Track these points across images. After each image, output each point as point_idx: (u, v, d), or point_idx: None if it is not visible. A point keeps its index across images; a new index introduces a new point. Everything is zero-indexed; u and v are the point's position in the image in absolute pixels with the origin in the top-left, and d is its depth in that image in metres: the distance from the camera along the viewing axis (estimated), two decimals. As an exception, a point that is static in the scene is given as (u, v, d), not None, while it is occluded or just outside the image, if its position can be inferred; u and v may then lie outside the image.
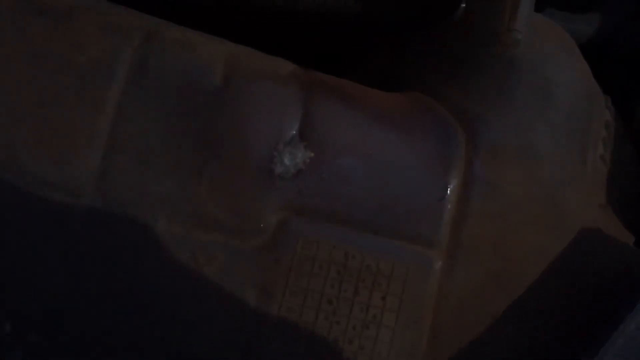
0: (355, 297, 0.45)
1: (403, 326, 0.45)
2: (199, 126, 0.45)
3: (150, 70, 0.45)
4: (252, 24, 0.60)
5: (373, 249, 0.46)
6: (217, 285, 0.44)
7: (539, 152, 0.50)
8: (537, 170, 0.49)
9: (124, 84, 0.45)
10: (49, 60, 0.44)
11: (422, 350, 0.46)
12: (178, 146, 0.45)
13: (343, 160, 0.47)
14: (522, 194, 0.49)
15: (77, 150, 0.43)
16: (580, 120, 0.53)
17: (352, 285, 0.45)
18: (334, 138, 0.47)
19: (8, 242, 0.43)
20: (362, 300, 0.45)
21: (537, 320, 0.47)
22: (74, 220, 0.43)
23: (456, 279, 0.47)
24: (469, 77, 0.50)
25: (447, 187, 0.47)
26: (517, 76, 0.50)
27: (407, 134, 0.48)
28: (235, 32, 0.53)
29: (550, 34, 0.52)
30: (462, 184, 0.48)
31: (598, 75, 0.64)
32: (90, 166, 0.44)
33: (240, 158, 0.45)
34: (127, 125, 0.44)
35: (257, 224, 0.45)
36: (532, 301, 0.47)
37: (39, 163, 0.43)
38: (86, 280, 0.43)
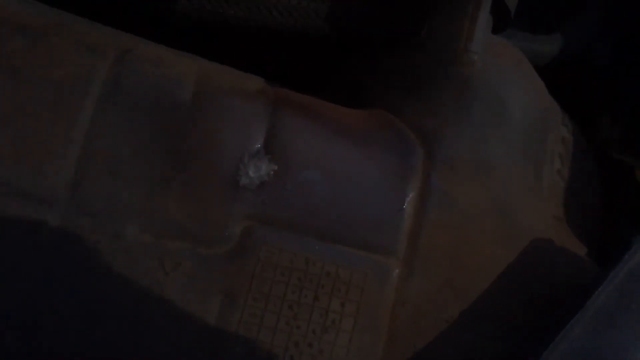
0: (315, 302, 0.47)
1: (361, 331, 0.48)
2: (169, 140, 0.48)
3: (123, 86, 0.48)
4: (228, 43, 0.63)
5: (333, 257, 0.48)
6: (183, 290, 0.46)
7: (493, 166, 0.52)
8: (490, 183, 0.52)
9: (97, 99, 0.47)
10: (25, 75, 0.47)
11: (379, 354, 0.48)
12: (148, 158, 0.47)
13: (305, 173, 0.49)
14: (476, 205, 0.51)
15: (51, 161, 0.46)
16: (535, 136, 0.56)
17: (312, 292, 0.47)
18: (298, 152, 0.49)
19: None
20: (322, 306, 0.48)
21: (489, 327, 0.50)
22: (47, 229, 0.46)
23: (412, 287, 0.49)
24: (428, 94, 0.53)
25: (405, 199, 0.50)
26: (473, 94, 0.52)
27: (367, 148, 0.51)
28: (211, 50, 0.56)
29: (506, 55, 0.55)
30: (419, 196, 0.50)
31: (562, 92, 0.67)
32: (64, 177, 0.46)
33: (208, 170, 0.48)
34: (100, 138, 0.47)
35: (223, 233, 0.47)
36: (485, 308, 0.50)
37: (14, 173, 0.45)
38: (59, 287, 0.45)
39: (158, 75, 0.49)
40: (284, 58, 0.67)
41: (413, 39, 0.57)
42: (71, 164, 0.46)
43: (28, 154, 0.46)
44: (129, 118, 0.47)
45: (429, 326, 0.49)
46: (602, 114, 0.79)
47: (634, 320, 0.47)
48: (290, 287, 0.47)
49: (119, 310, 0.45)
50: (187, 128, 0.48)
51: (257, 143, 0.49)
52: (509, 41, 0.62)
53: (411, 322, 0.49)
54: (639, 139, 0.75)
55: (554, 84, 0.64)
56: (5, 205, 0.45)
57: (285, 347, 0.47)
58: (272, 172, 0.48)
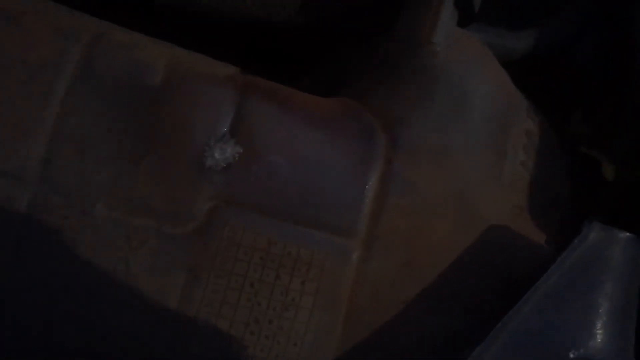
0: (276, 280, 0.49)
1: (320, 309, 0.50)
2: (139, 121, 0.50)
3: (96, 68, 0.50)
4: (203, 33, 0.64)
5: (295, 237, 0.50)
6: (148, 267, 0.48)
7: (454, 154, 0.54)
8: (450, 170, 0.54)
9: (69, 80, 0.49)
10: (1, 57, 0.49)
11: (337, 332, 0.50)
12: (118, 139, 0.49)
13: (270, 157, 0.51)
14: (435, 191, 0.53)
15: (23, 140, 0.48)
16: (497, 127, 0.57)
17: (273, 270, 0.49)
18: (263, 136, 0.51)
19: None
20: (283, 284, 0.49)
21: (446, 308, 0.52)
22: (17, 205, 0.48)
23: (371, 268, 0.51)
24: (394, 84, 0.55)
25: (367, 184, 0.52)
26: (435, 84, 0.54)
27: (332, 134, 0.53)
28: (186, 39, 0.58)
29: (469, 47, 0.57)
30: (381, 181, 0.52)
31: (535, 86, 0.68)
32: (36, 155, 0.48)
33: (175, 151, 0.50)
34: (71, 118, 0.49)
35: (188, 212, 0.49)
36: (442, 291, 0.52)
37: (-12, 150, 0.47)
38: (26, 261, 0.47)
39: (130, 59, 0.51)
40: (259, 49, 0.68)
41: (385, 31, 0.59)
42: (42, 142, 0.48)
43: (1, 132, 0.48)
44: (100, 99, 0.49)
45: (387, 306, 0.51)
46: (574, 110, 0.80)
47: (581, 301, 0.49)
48: (252, 265, 0.49)
49: (85, 285, 0.47)
50: (156, 110, 0.50)
51: (223, 127, 0.51)
52: (481, 36, 0.64)
53: (370, 301, 0.51)
54: (607, 136, 0.77)
55: (527, 79, 0.66)
56: (-22, 182, 0.47)
57: (246, 323, 0.49)
58: (237, 155, 0.50)
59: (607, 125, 0.77)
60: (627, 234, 0.52)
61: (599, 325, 0.49)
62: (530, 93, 0.67)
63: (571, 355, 0.48)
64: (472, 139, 0.55)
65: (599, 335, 0.49)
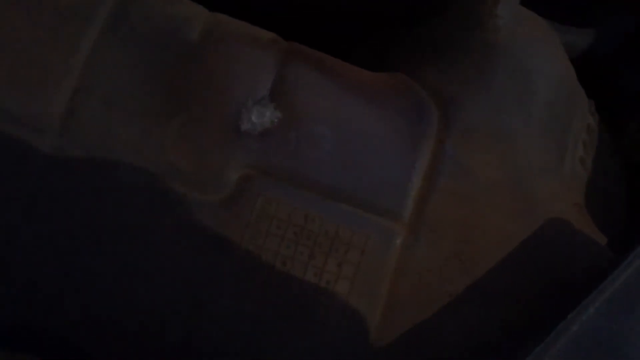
0: (310, 260, 0.44)
1: (357, 295, 0.45)
2: (172, 77, 0.46)
3: (130, 17, 0.46)
4: (251, 11, 0.61)
5: (334, 215, 0.45)
6: (173, 235, 0.43)
7: (513, 138, 0.49)
8: (508, 156, 0.49)
9: (101, 28, 0.45)
10: (30, 1, 0.45)
11: (374, 321, 0.45)
12: (148, 93, 0.45)
13: (312, 125, 0.46)
14: (491, 177, 0.48)
15: (48, 87, 0.44)
16: (559, 116, 0.53)
17: (308, 249, 0.44)
18: (306, 103, 0.47)
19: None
20: (317, 265, 0.44)
21: (496, 302, 0.46)
22: (37, 157, 0.43)
23: (417, 255, 0.46)
24: (450, 60, 0.50)
25: (415, 163, 0.47)
26: (496, 62, 0.50)
27: (380, 108, 0.48)
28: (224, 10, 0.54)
29: (536, 27, 0.52)
30: (431, 162, 0.47)
31: (592, 92, 0.64)
32: (58, 104, 0.44)
33: (209, 112, 0.45)
34: (100, 68, 0.45)
35: (219, 178, 0.45)
36: (493, 285, 0.47)
37: (8, 96, 0.43)
38: (42, 215, 0.43)
39: (167, 12, 0.47)
40: (305, 28, 0.64)
41: (433, 12, 0.55)
42: (67, 91, 0.44)
43: (24, 79, 0.44)
44: (132, 51, 0.45)
45: (432, 298, 0.46)
46: (631, 118, 0.76)
47: (653, 307, 0.44)
48: (286, 241, 0.44)
49: (102, 250, 0.43)
50: (191, 67, 0.46)
51: (263, 89, 0.47)
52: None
53: (413, 291, 0.46)
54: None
55: (586, 81, 0.62)
56: (-3, 130, 0.43)
57: (275, 305, 0.44)
58: (276, 120, 0.46)
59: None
60: None
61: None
62: (588, 95, 0.62)
63: (640, 365, 0.42)
64: (533, 124, 0.50)
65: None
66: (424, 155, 0.48)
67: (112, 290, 0.43)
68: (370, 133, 0.48)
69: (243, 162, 0.45)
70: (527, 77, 0.50)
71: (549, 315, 0.44)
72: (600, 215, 0.56)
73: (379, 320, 0.45)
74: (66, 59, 0.44)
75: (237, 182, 0.45)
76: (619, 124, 0.72)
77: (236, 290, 0.44)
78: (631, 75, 0.74)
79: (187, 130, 0.45)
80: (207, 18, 0.48)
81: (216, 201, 0.45)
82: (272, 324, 0.44)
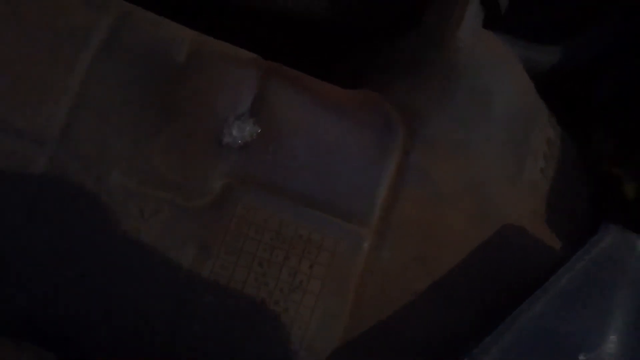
0: (285, 262, 0.49)
1: (327, 294, 0.49)
2: (160, 94, 0.50)
3: (122, 40, 0.50)
4: (231, 26, 0.65)
5: (307, 220, 0.50)
6: (159, 237, 0.48)
7: (472, 148, 0.54)
8: (468, 166, 0.53)
9: (96, 50, 0.50)
10: (30, 22, 0.50)
11: (343, 318, 0.49)
12: (139, 109, 0.50)
13: (288, 139, 0.51)
14: (452, 185, 0.53)
15: (46, 104, 0.48)
16: (517, 130, 0.57)
17: (283, 251, 0.49)
18: (283, 118, 0.52)
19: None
20: (291, 266, 0.49)
21: (454, 303, 0.51)
22: (35, 167, 0.48)
23: (383, 257, 0.51)
24: (416, 77, 0.55)
25: (382, 173, 0.52)
26: (457, 80, 0.54)
27: (351, 122, 0.53)
28: (214, 32, 0.58)
29: (494, 48, 0.57)
30: (397, 171, 0.52)
31: (560, 103, 0.68)
32: (56, 118, 0.48)
33: (193, 126, 0.50)
34: (94, 86, 0.49)
35: (202, 186, 0.49)
36: (452, 285, 0.51)
37: (10, 111, 0.48)
38: (39, 222, 0.47)
39: (156, 34, 0.51)
40: (288, 44, 0.69)
41: (410, 28, 0.59)
42: (64, 107, 0.48)
43: (24, 95, 0.48)
44: (124, 71, 0.50)
45: (397, 297, 0.50)
46: (597, 128, 0.80)
47: (594, 305, 0.48)
48: (263, 245, 0.49)
49: (95, 250, 0.47)
50: (178, 85, 0.51)
51: (244, 106, 0.51)
52: (507, 44, 0.64)
53: (379, 291, 0.50)
54: (629, 155, 0.76)
55: (552, 93, 0.66)
56: (-1, 141, 0.48)
57: (252, 302, 0.48)
58: (255, 134, 0.50)
59: (630, 144, 0.76)
60: (646, 240, 0.50)
61: (611, 329, 0.48)
62: (555, 108, 0.66)
63: (581, 358, 0.47)
64: (492, 136, 0.55)
65: (612, 339, 0.48)
66: (390, 165, 0.52)
67: (103, 288, 0.47)
68: (341, 145, 0.52)
69: (224, 172, 0.50)
70: (485, 94, 0.55)
71: (503, 314, 0.49)
72: (561, 220, 0.61)
73: (348, 317, 0.49)
74: (64, 77, 0.49)
75: (219, 190, 0.50)
76: (584, 135, 0.77)
77: (217, 288, 0.48)
78: (594, 90, 0.78)
79: (173, 143, 0.50)
80: (193, 40, 0.53)
81: (200, 207, 0.49)
82: (250, 318, 0.48)
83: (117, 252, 0.47)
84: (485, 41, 0.57)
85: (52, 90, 0.48)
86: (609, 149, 0.78)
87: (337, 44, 0.66)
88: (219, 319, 0.48)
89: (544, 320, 0.47)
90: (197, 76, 0.51)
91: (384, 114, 0.54)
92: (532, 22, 0.70)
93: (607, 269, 0.49)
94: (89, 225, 0.47)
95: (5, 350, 0.43)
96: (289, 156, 0.51)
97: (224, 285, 0.48)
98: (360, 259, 0.50)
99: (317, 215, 0.50)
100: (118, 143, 0.49)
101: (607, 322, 0.49)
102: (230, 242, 0.49)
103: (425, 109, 0.54)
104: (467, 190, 0.53)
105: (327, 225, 0.50)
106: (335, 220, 0.50)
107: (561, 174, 0.62)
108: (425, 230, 0.51)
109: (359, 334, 0.49)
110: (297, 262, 0.49)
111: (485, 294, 0.51)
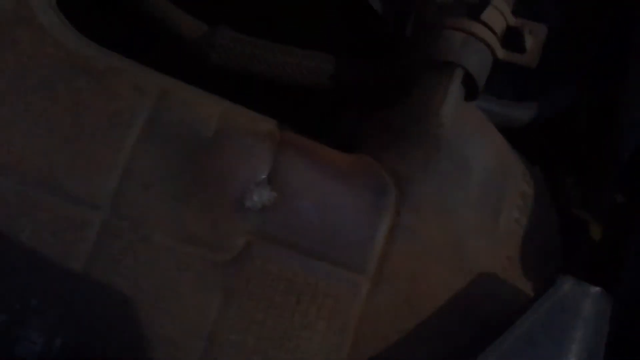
0: (297, 306, 0.59)
1: (331, 332, 0.60)
2: (192, 166, 0.61)
3: (161, 121, 0.61)
4: (248, 91, 0.76)
5: (314, 271, 0.60)
6: (192, 286, 0.59)
7: (453, 210, 0.64)
8: (449, 224, 0.64)
9: (140, 130, 0.60)
10: (86, 107, 0.60)
11: (344, 352, 0.60)
12: (175, 179, 0.60)
13: (299, 202, 0.62)
14: (435, 241, 0.63)
15: (100, 175, 0.59)
16: (493, 188, 0.68)
17: (294, 297, 0.60)
18: (294, 184, 0.62)
19: (43, 241, 0.58)
20: (302, 309, 0.59)
21: (439, 339, 0.61)
22: (90, 228, 0.58)
23: (378, 301, 0.61)
24: (404, 146, 0.65)
25: (377, 230, 0.62)
26: (440, 149, 0.65)
27: (351, 186, 0.64)
28: (231, 95, 0.69)
29: (472, 119, 0.67)
30: (390, 229, 0.63)
31: (535, 152, 0.78)
32: (108, 188, 0.59)
33: (221, 192, 0.61)
34: (139, 161, 0.60)
35: (228, 243, 0.60)
36: (436, 325, 0.61)
37: (70, 180, 0.58)
38: (97, 275, 0.58)
39: (188, 115, 0.62)
40: (294, 107, 0.79)
41: (398, 101, 0.70)
42: (115, 178, 0.59)
43: (82, 167, 0.59)
44: (162, 146, 0.60)
45: (389, 335, 0.61)
46: (568, 175, 0.90)
47: (553, 344, 0.59)
48: (278, 291, 0.59)
49: (141, 297, 0.58)
50: (207, 158, 0.61)
51: (262, 175, 0.62)
52: (486, 105, 0.74)
53: (374, 330, 0.61)
54: (596, 201, 0.87)
55: (527, 144, 0.76)
56: (60, 207, 0.58)
57: (270, 339, 0.59)
58: (272, 199, 0.61)
59: (596, 190, 0.86)
60: (597, 288, 0.61)
61: (567, 364, 0.58)
62: (529, 156, 0.77)
63: (541, 388, 0.57)
64: (470, 198, 0.65)
65: (567, 373, 0.58)
66: (384, 223, 0.63)
67: (147, 327, 0.58)
68: (342, 206, 0.63)
69: (246, 231, 0.60)
70: (464, 161, 0.65)
71: (476, 350, 0.59)
72: (533, 264, 0.71)
73: (348, 352, 0.60)
74: (115, 152, 0.59)
75: (241, 246, 0.60)
76: (557, 181, 0.87)
77: (240, 328, 0.59)
78: (565, 139, 0.88)
79: (204, 207, 0.60)
80: (220, 116, 0.63)
81: (225, 261, 0.60)
82: (268, 353, 0.59)
83: (160, 298, 0.58)
84: (463, 113, 0.67)
85: (104, 163, 0.59)
86: (577, 195, 0.88)
87: (335, 108, 0.76)
88: (242, 353, 0.58)
89: (511, 356, 0.57)
90: (223, 149, 0.62)
91: (379, 179, 0.64)
92: (504, 82, 0.79)
93: (564, 314, 0.60)
94: (136, 277, 0.58)
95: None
96: (299, 217, 0.62)
97: (246, 326, 0.59)
98: (359, 303, 0.61)
99: (323, 266, 0.61)
100: (159, 208, 0.59)
101: (563, 358, 0.59)
102: (251, 290, 0.59)
103: (412, 175, 0.64)
104: (449, 245, 0.63)
105: (331, 274, 0.61)
106: (338, 270, 0.61)
107: (534, 222, 0.73)
108: (412, 279, 0.62)
109: (358, 366, 0.60)
110: (306, 306, 0.60)
111: (462, 333, 0.61)
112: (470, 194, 0.65)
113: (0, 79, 0.59)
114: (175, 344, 0.58)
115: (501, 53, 0.69)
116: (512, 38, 0.69)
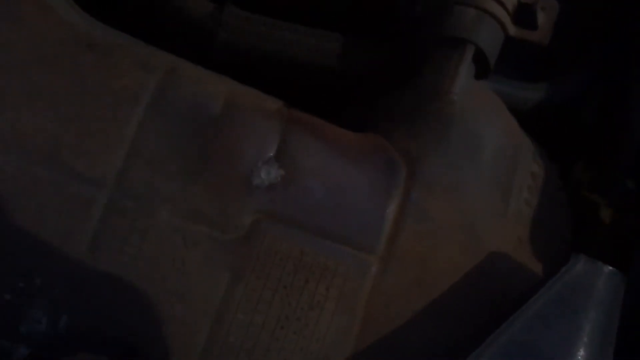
0: (305, 285, 0.59)
1: (340, 312, 0.59)
2: (200, 144, 0.60)
3: (167, 97, 0.60)
4: (258, 71, 0.75)
5: (323, 250, 0.59)
6: (199, 264, 0.58)
7: (464, 189, 0.63)
8: (460, 203, 0.63)
9: (146, 106, 0.59)
10: (92, 84, 0.59)
11: (354, 333, 0.59)
12: (182, 156, 0.59)
13: (307, 180, 0.61)
14: (446, 219, 0.62)
15: (105, 152, 0.58)
16: (504, 167, 0.67)
17: (303, 276, 0.59)
18: (302, 162, 0.61)
19: (48, 219, 0.57)
20: (310, 288, 0.59)
21: (447, 322, 0.60)
22: (98, 206, 0.58)
23: (387, 281, 0.60)
24: (415, 125, 0.64)
25: (387, 209, 0.61)
26: (452, 128, 0.64)
27: (360, 165, 0.63)
28: (243, 76, 0.68)
29: (483, 97, 0.66)
30: (399, 208, 0.62)
31: (545, 136, 0.77)
32: (114, 166, 0.58)
33: (228, 170, 0.60)
34: (145, 137, 0.59)
35: (236, 222, 0.59)
36: (445, 306, 0.60)
37: (75, 158, 0.57)
38: (103, 254, 0.57)
39: (195, 91, 0.61)
40: (303, 88, 0.78)
41: (409, 81, 0.69)
42: (121, 156, 0.58)
43: (88, 145, 0.58)
44: (169, 123, 0.60)
45: (398, 315, 0.60)
46: (578, 159, 0.89)
47: (566, 322, 0.58)
48: (286, 270, 0.58)
49: (149, 276, 0.57)
50: (214, 136, 0.60)
51: (270, 152, 0.61)
52: (496, 86, 0.73)
53: (383, 309, 0.60)
54: (606, 184, 0.85)
55: (537, 127, 0.75)
56: (65, 185, 0.57)
57: (277, 318, 0.58)
58: (280, 177, 0.60)
59: (606, 173, 0.85)
60: (610, 267, 0.60)
61: (580, 343, 0.57)
62: (539, 140, 0.76)
63: (554, 368, 0.56)
64: (481, 176, 0.64)
65: (580, 351, 0.57)
66: (394, 202, 0.62)
67: (155, 306, 0.57)
68: (351, 185, 0.62)
69: (254, 209, 0.60)
70: (475, 140, 0.64)
71: (488, 330, 0.59)
72: (543, 246, 0.70)
73: (357, 332, 0.59)
74: (121, 130, 0.59)
75: (249, 224, 0.59)
76: (565, 164, 0.86)
77: (248, 307, 0.58)
78: (577, 124, 0.87)
79: (211, 185, 0.59)
80: (227, 94, 0.62)
81: (233, 239, 0.59)
82: (275, 332, 0.58)
83: (166, 277, 0.57)
84: (474, 92, 0.66)
85: (110, 141, 0.58)
86: (587, 178, 0.87)
87: (345, 89, 0.75)
88: (250, 332, 0.58)
89: (523, 336, 0.57)
90: (231, 127, 0.61)
91: (389, 157, 0.63)
92: (514, 63, 0.78)
93: (577, 293, 0.59)
94: (143, 256, 0.57)
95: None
96: (308, 195, 0.61)
97: (254, 305, 0.58)
98: (368, 283, 0.60)
99: (332, 246, 0.60)
100: (165, 185, 0.58)
101: (577, 337, 0.58)
102: (259, 269, 0.58)
103: (423, 154, 0.63)
104: (459, 224, 0.62)
105: (340, 253, 0.60)
106: (347, 249, 0.60)
107: (545, 203, 0.72)
108: (422, 259, 0.61)
109: (366, 347, 0.59)
110: (315, 285, 0.59)
111: (473, 313, 0.60)
112: (481, 173, 0.64)
113: (5, 54, 0.58)
114: (183, 323, 0.57)
115: (513, 30, 0.68)
116: (523, 14, 0.68)
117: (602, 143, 0.85)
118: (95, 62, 0.60)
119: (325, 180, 0.61)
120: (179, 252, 0.57)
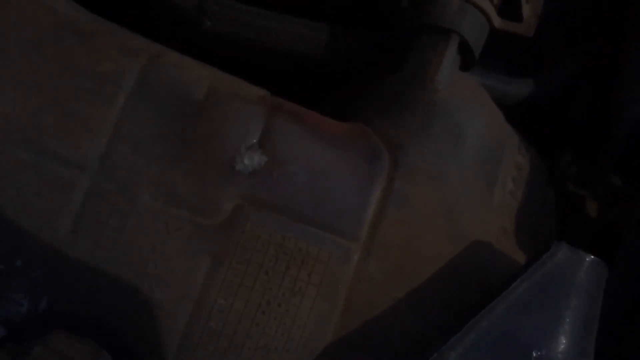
0: (286, 271, 0.59)
1: (322, 298, 0.59)
2: (182, 129, 0.60)
3: (151, 83, 0.60)
4: (241, 60, 0.75)
5: (305, 236, 0.59)
6: (180, 249, 0.58)
7: (447, 177, 0.63)
8: (443, 192, 0.63)
9: (129, 91, 0.59)
10: (76, 68, 0.59)
11: (335, 319, 0.59)
12: (164, 141, 0.59)
13: (290, 166, 0.61)
14: (428, 207, 0.62)
15: (88, 136, 0.58)
16: (488, 157, 0.67)
17: (285, 262, 0.59)
18: (285, 149, 0.61)
19: (28, 202, 0.57)
20: (292, 274, 0.59)
21: (428, 308, 0.60)
22: (78, 189, 0.58)
23: (369, 268, 0.60)
24: (398, 113, 0.65)
25: (370, 196, 0.61)
26: (434, 116, 0.64)
27: (343, 152, 0.63)
28: (226, 65, 0.68)
29: (466, 87, 0.67)
30: (382, 195, 0.62)
31: (531, 130, 0.77)
32: (97, 150, 0.58)
33: (210, 155, 0.60)
34: (128, 122, 0.59)
35: (217, 207, 0.59)
36: (427, 293, 0.60)
37: (58, 142, 0.57)
38: (83, 236, 0.57)
39: (179, 77, 0.61)
40: (287, 77, 0.79)
41: (393, 70, 0.69)
42: (103, 140, 0.58)
43: (70, 128, 0.58)
44: (152, 108, 0.60)
45: (379, 302, 0.60)
46: (564, 153, 0.90)
47: (547, 310, 0.58)
48: (268, 256, 0.58)
49: (129, 259, 0.57)
50: (197, 121, 0.60)
51: (253, 138, 0.61)
52: (482, 79, 0.73)
53: (365, 296, 0.60)
54: (592, 178, 0.86)
55: (523, 121, 0.75)
56: (46, 168, 0.57)
57: (258, 304, 0.58)
58: (262, 163, 0.60)
59: (592, 167, 0.85)
60: (592, 256, 0.60)
61: (561, 331, 0.57)
62: (526, 134, 0.76)
63: (534, 354, 0.56)
64: (464, 165, 0.64)
65: (561, 339, 0.57)
66: (376, 189, 0.62)
67: (134, 291, 0.57)
68: (334, 172, 0.62)
69: (236, 195, 0.60)
70: (459, 129, 0.65)
71: (468, 317, 0.58)
72: (526, 236, 0.70)
73: (338, 318, 0.59)
74: (103, 114, 0.59)
75: (231, 210, 0.59)
76: (552, 158, 0.86)
77: (229, 292, 0.58)
78: (563, 118, 0.87)
79: (193, 170, 0.59)
80: (211, 80, 0.62)
81: (215, 225, 0.59)
82: (256, 318, 0.58)
83: (147, 261, 0.57)
84: (458, 82, 0.67)
85: (93, 125, 0.58)
86: (574, 172, 0.88)
87: (330, 79, 0.75)
88: (230, 318, 0.58)
89: (503, 323, 0.56)
90: (214, 112, 0.61)
91: (372, 145, 0.63)
92: (500, 57, 0.79)
93: (559, 281, 0.59)
94: (123, 239, 0.57)
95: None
96: (290, 181, 0.61)
97: (235, 290, 0.58)
98: (350, 269, 0.60)
99: (314, 232, 0.60)
100: (147, 170, 0.58)
101: (558, 325, 0.58)
102: (240, 254, 0.58)
103: (407, 142, 0.63)
104: (442, 213, 0.62)
105: (322, 240, 0.60)
106: (329, 235, 0.60)
107: (529, 195, 0.72)
108: (404, 246, 0.61)
109: (347, 333, 0.59)
110: (296, 271, 0.59)
111: (454, 300, 0.60)
112: (465, 161, 0.64)
113: (-12, 38, 0.58)
114: (163, 307, 0.57)
115: (497, 22, 0.68)
116: (508, 6, 0.69)
117: (588, 137, 0.85)
118: (79, 46, 0.60)
119: (308, 167, 0.61)
120: (160, 236, 0.57)
